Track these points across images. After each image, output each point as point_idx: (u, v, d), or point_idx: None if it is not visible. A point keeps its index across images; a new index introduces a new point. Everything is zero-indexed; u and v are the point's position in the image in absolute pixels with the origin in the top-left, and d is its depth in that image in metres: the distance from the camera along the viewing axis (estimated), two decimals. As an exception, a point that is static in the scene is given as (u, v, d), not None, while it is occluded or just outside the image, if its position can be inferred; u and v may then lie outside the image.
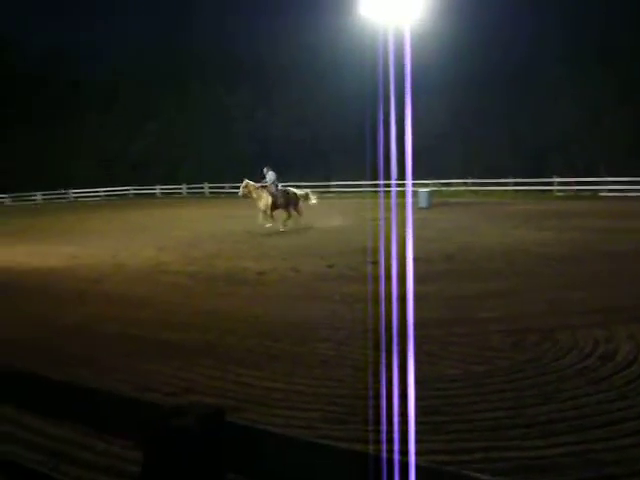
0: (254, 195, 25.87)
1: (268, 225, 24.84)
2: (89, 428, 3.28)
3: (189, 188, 60.18)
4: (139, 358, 8.68)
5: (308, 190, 27.61)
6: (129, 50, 71.32)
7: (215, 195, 56.82)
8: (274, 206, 25.39)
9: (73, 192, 61.92)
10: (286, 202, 25.73)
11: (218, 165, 61.79)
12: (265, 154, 60.02)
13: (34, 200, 60.94)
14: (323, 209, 35.78)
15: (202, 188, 59.10)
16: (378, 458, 2.02)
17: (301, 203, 26.33)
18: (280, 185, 26.63)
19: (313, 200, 26.77)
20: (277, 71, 62.79)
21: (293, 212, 25.94)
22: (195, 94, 65.71)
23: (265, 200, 25.36)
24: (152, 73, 68.04)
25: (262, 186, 25.93)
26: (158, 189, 61.38)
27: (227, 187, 56.64)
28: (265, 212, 25.37)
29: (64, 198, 61.39)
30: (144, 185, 61.63)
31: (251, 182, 26.25)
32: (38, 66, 71.03)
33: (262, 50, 64.07)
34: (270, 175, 26.29)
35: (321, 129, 60.05)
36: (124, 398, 2.63)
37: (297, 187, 27.87)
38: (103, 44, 74.95)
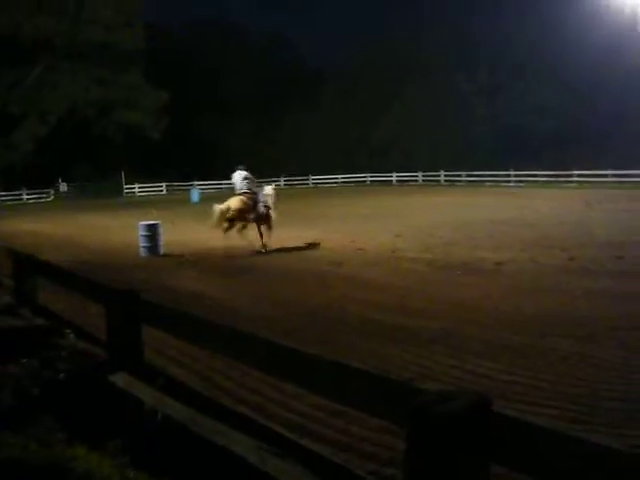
0: None
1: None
2: (347, 406, 3.44)
3: (425, 176, 60.29)
4: (378, 342, 8.88)
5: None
6: (368, 36, 73.01)
7: (450, 183, 56.53)
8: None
9: (313, 178, 64.34)
10: None
11: (455, 153, 61.43)
12: (503, 143, 58.82)
13: (278, 185, 64.05)
14: (561, 200, 34.49)
15: (438, 176, 58.98)
16: None
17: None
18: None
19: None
20: (518, 55, 61.05)
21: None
22: (434, 81, 65.66)
23: None
24: (390, 60, 68.90)
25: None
26: (394, 176, 62.14)
27: (463, 175, 56.15)
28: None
29: (304, 184, 63.95)
30: (381, 172, 62.68)
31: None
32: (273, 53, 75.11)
33: (502, 34, 62.61)
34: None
35: (564, 116, 57.67)
36: (389, 380, 2.73)
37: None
38: (337, 30, 77.42)
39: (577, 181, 48.79)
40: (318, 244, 19.85)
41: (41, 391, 5.73)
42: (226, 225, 19.04)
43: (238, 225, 19.18)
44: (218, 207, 18.89)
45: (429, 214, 28.90)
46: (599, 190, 39.11)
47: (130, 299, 5.66)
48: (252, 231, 19.47)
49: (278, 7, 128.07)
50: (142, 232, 19.17)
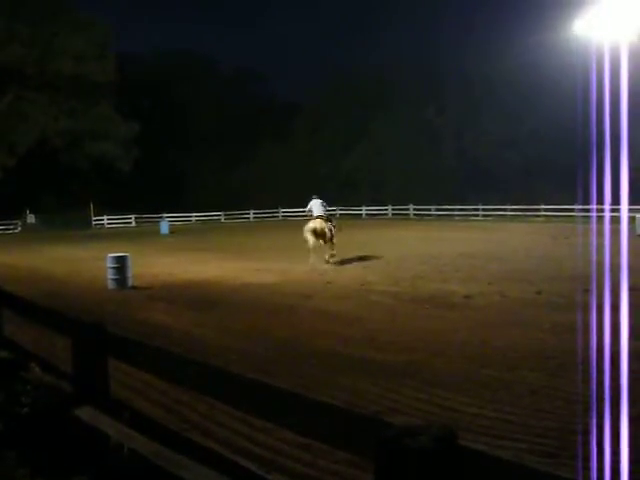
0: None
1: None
2: (315, 440, 3.42)
3: (394, 209, 60.65)
4: (347, 375, 8.86)
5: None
6: (335, 72, 73.87)
7: (420, 217, 56.92)
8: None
9: (282, 211, 64.46)
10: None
11: (424, 186, 61.91)
12: (472, 177, 59.42)
13: (247, 218, 64.21)
14: (528, 234, 34.85)
15: (407, 210, 59.37)
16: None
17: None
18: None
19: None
20: (486, 89, 61.95)
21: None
22: (403, 114, 66.28)
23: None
24: (359, 93, 69.62)
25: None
26: (364, 210, 62.43)
27: (433, 209, 56.58)
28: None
29: (274, 216, 64.05)
30: (350, 206, 62.98)
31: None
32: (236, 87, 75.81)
33: (470, 68, 63.57)
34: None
35: (531, 150, 58.51)
36: (357, 414, 2.72)
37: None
38: (307, 64, 78.38)
39: (544, 215, 49.45)
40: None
41: (5, 426, 5.63)
42: (318, 242, 22.93)
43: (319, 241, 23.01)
44: (308, 229, 22.94)
45: (397, 247, 29.02)
46: (566, 224, 39.60)
47: (96, 332, 5.60)
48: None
49: (249, 41, 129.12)
50: (110, 264, 18.99)
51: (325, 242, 23.06)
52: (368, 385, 8.36)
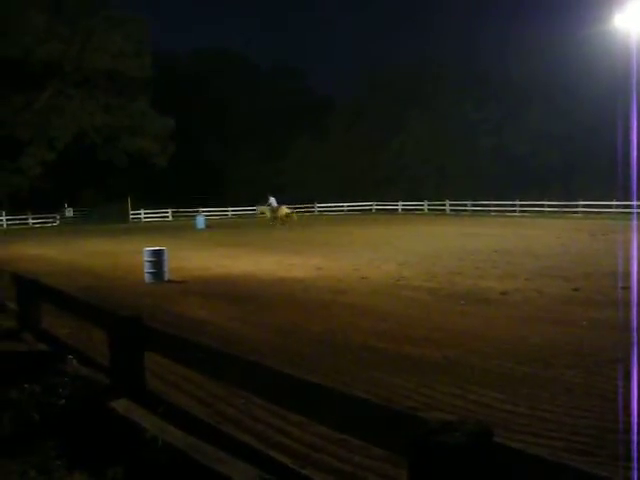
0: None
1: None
2: (350, 435, 3.42)
3: (430, 205, 60.38)
4: (382, 370, 8.84)
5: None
6: (371, 66, 73.71)
7: (456, 213, 56.59)
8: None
9: (318, 205, 64.47)
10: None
11: (460, 182, 61.49)
12: (509, 172, 58.77)
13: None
14: (566, 230, 34.46)
15: (443, 205, 59.06)
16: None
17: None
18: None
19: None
20: (525, 85, 61.19)
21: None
22: (440, 110, 65.84)
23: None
24: (396, 88, 69.30)
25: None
26: (400, 205, 62.22)
27: (469, 205, 56.19)
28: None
29: (310, 211, 64.07)
30: (386, 201, 62.78)
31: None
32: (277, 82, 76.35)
33: (510, 64, 62.85)
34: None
35: (570, 145, 57.70)
36: (391, 410, 2.70)
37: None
38: (345, 59, 78.12)
39: (582, 211, 48.89)
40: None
41: (42, 417, 5.70)
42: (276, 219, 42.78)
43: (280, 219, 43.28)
44: (283, 211, 44.37)
45: (434, 243, 28.89)
46: (604, 221, 39.17)
47: (133, 325, 5.65)
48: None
49: (286, 38, 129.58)
50: (147, 258, 19.15)
51: (288, 218, 43.55)
52: (403, 381, 8.34)
